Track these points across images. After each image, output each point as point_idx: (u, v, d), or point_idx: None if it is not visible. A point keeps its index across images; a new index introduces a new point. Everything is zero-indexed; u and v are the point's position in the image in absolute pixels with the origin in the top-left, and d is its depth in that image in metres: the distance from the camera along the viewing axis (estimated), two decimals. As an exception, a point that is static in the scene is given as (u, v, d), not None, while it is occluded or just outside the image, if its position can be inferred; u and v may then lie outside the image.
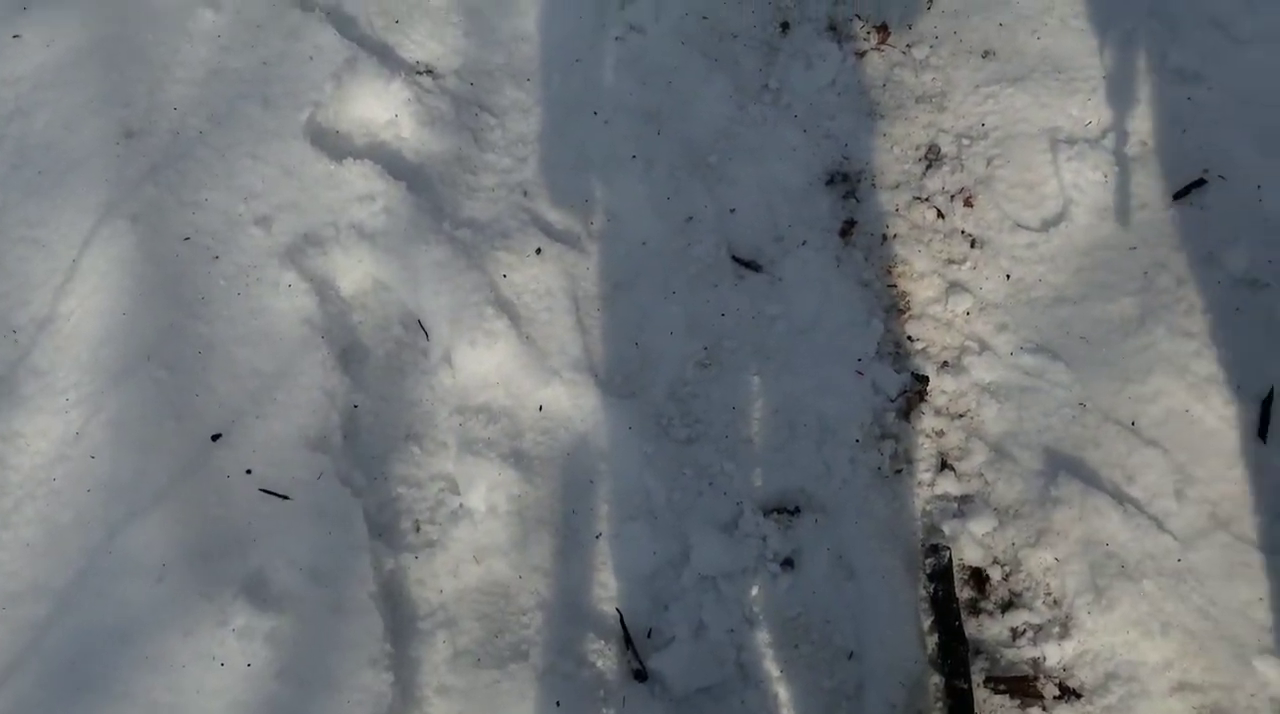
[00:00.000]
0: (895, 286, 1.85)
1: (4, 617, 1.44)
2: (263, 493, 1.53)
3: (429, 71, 2.06)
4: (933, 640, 1.52)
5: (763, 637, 1.50)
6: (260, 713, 1.38)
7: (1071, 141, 1.93)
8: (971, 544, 1.59)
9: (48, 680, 1.40)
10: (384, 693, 1.42)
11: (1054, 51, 2.06)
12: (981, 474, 1.66)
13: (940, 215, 1.91)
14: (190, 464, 1.55)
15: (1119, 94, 1.98)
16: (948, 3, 2.14)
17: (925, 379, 1.74)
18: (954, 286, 1.83)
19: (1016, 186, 1.92)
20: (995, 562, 1.59)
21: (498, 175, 1.92)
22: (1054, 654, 1.50)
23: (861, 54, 2.10)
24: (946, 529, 1.61)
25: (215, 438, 1.57)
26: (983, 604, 1.56)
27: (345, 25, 2.07)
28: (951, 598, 1.53)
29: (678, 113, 2.02)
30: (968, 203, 1.91)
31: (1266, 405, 1.63)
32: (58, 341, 1.63)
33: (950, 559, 1.56)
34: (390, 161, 1.89)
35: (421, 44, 2.09)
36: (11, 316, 1.67)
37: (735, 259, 1.87)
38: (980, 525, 1.60)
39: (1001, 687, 1.48)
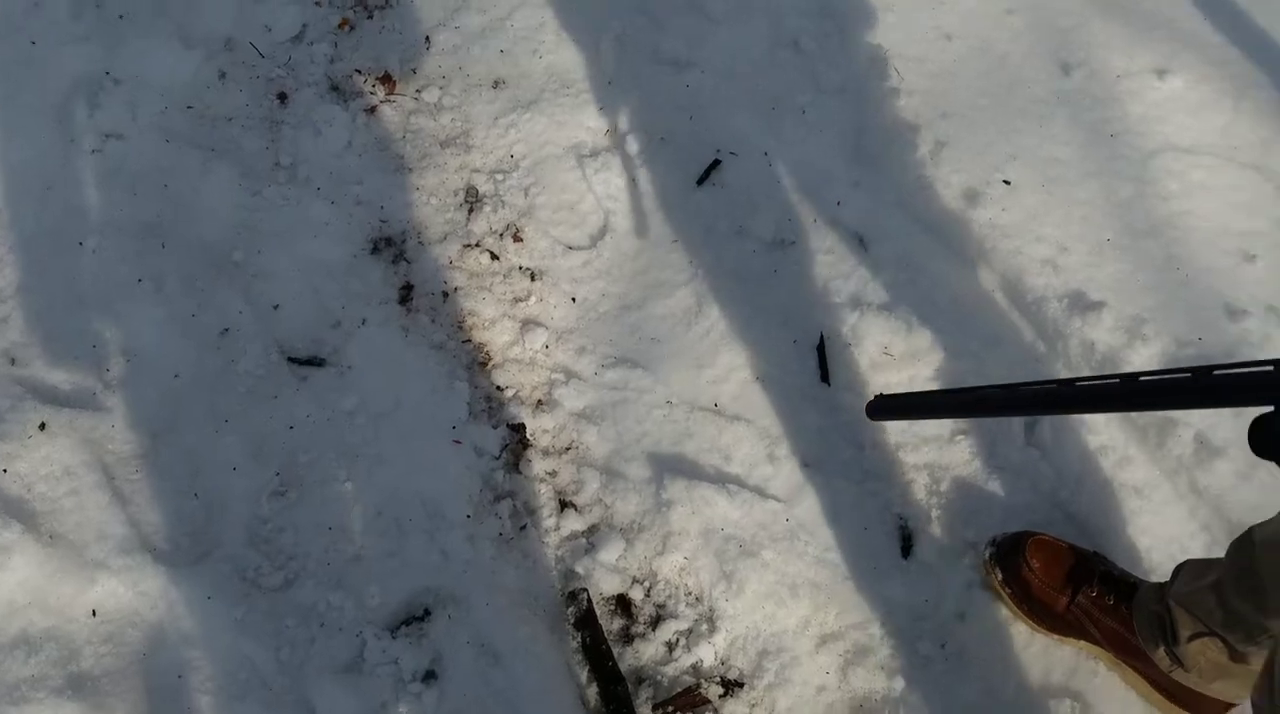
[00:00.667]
0: (470, 340, 1.78)
1: None
2: None
3: None
4: (593, 690, 1.47)
5: (424, 764, 1.37)
6: None
7: (595, 153, 1.96)
8: (607, 574, 1.56)
9: None
10: None
11: (558, 67, 2.08)
12: (600, 500, 1.63)
13: (494, 257, 1.85)
14: None
15: (624, 96, 2.03)
16: (445, 39, 2.10)
17: (522, 426, 1.68)
18: (526, 324, 1.79)
19: (559, 210, 1.91)
20: (635, 581, 1.57)
21: (-28, 350, 1.61)
22: (708, 653, 1.51)
23: (372, 109, 2.00)
24: (580, 569, 1.56)
25: None
26: (634, 628, 1.54)
27: None
28: (600, 640, 1.48)
29: (182, 217, 1.80)
30: (517, 238, 1.88)
31: (821, 351, 1.75)
32: None
33: (589, 601, 1.51)
34: None
35: None
36: None
37: (291, 360, 1.69)
38: (610, 552, 1.57)
39: (670, 708, 1.46)
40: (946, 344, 1.74)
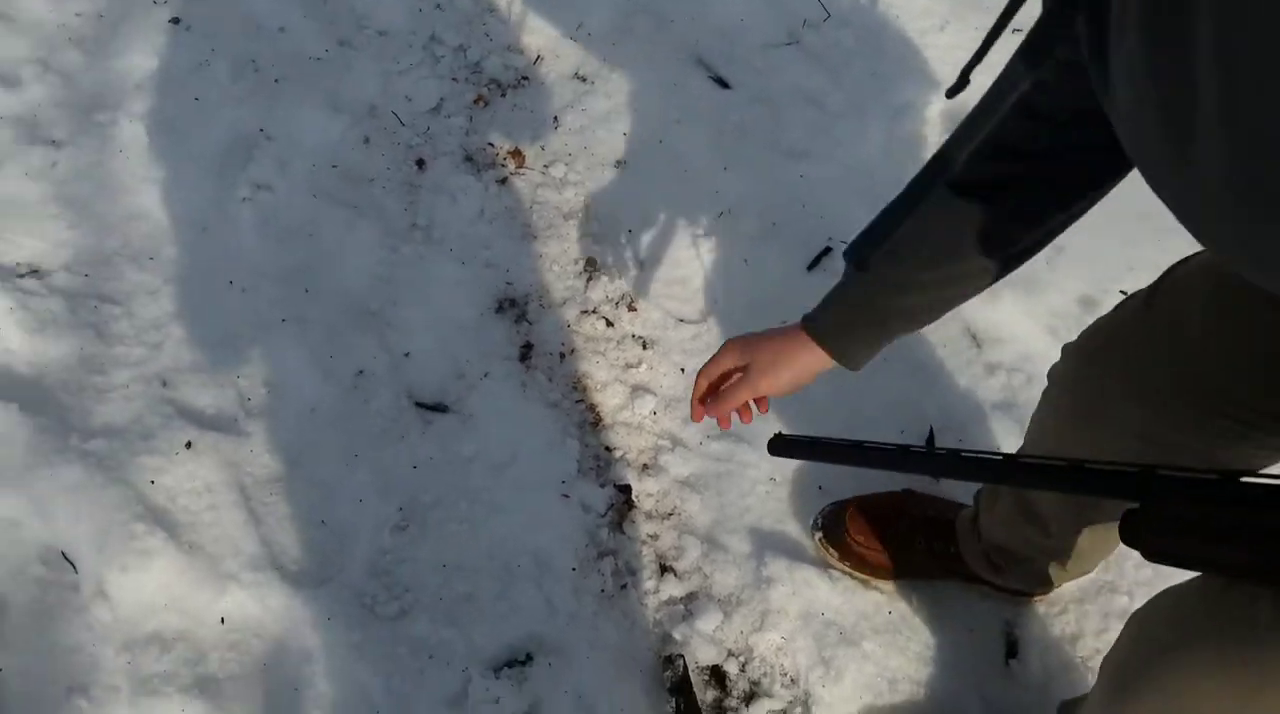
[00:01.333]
0: (582, 401, 1.86)
1: None
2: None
3: (33, 272, 1.84)
4: (687, 755, 1.49)
5: (518, 805, 1.40)
6: None
7: (708, 233, 2.06)
8: (704, 643, 1.59)
9: None
10: None
11: (677, 151, 2.20)
12: (700, 568, 1.67)
13: (609, 324, 1.95)
14: None
15: (740, 181, 2.14)
16: (572, 120, 2.23)
17: (628, 487, 1.74)
18: (636, 389, 1.86)
19: (671, 284, 2.00)
20: (730, 655, 1.60)
21: (131, 369, 1.73)
22: (802, 735, 1.52)
23: (503, 180, 2.13)
24: (678, 635, 1.60)
25: None
26: (727, 702, 1.56)
27: (-81, 236, 1.82)
28: (695, 709, 1.51)
29: (326, 266, 1.94)
30: (631, 307, 1.97)
31: (930, 442, 1.79)
32: None
33: (685, 667, 1.54)
34: (-3, 381, 1.65)
35: (19, 244, 1.87)
36: None
37: (419, 405, 1.79)
38: (708, 622, 1.60)
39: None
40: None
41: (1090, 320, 1.91)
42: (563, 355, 1.90)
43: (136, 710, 1.40)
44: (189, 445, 1.62)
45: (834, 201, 2.11)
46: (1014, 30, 0.81)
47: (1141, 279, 1.13)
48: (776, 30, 2.40)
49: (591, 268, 2.03)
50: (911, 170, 0.99)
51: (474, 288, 1.95)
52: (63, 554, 1.52)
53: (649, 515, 1.73)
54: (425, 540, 1.61)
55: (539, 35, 2.36)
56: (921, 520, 1.61)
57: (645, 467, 1.78)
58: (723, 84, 2.31)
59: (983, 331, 1.95)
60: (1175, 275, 1.08)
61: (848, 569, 1.64)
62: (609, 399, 1.85)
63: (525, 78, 2.30)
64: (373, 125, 2.18)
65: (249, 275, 1.89)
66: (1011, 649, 1.60)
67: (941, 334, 1.93)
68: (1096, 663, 1.51)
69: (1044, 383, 1.28)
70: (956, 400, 1.85)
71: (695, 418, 1.23)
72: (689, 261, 2.03)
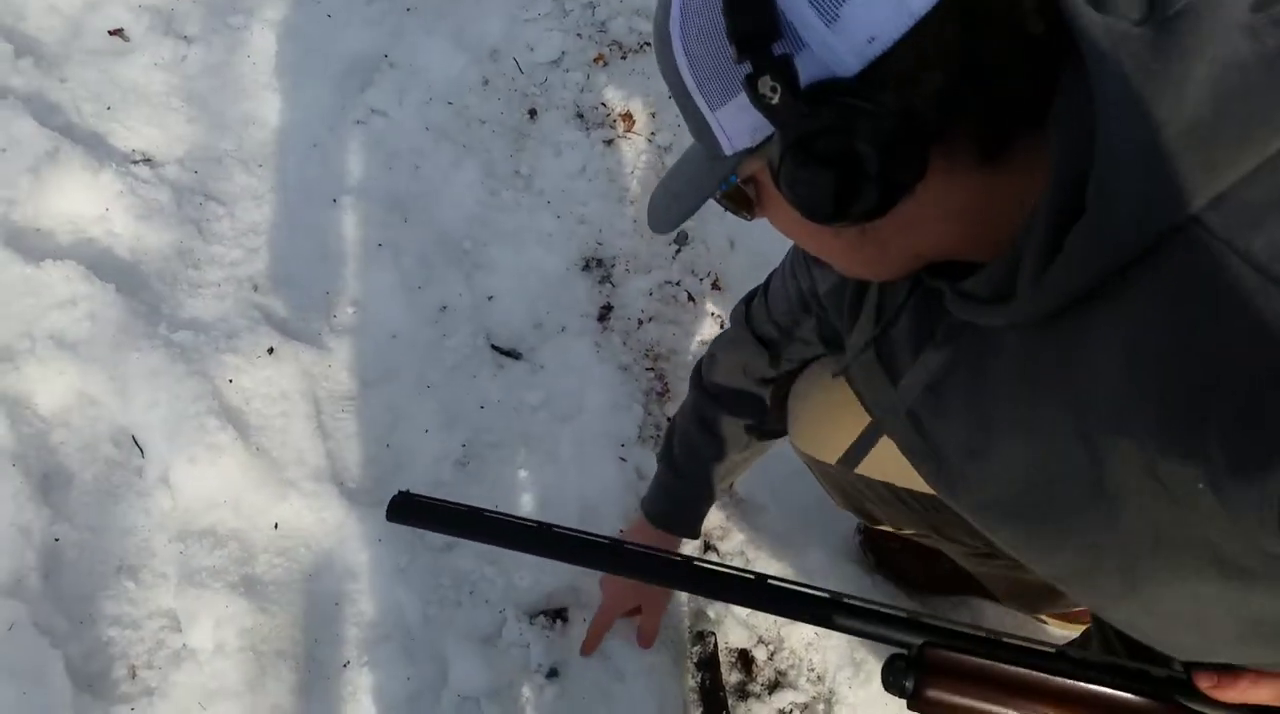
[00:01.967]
0: (653, 370, 1.85)
1: None
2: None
3: (146, 160, 1.90)
4: (705, 733, 1.49)
5: (531, 753, 1.41)
6: None
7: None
8: (737, 625, 1.58)
9: None
10: None
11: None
12: (743, 551, 1.66)
13: (691, 298, 1.94)
14: None
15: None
16: (688, 91, 2.21)
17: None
18: (709, 367, 1.85)
19: (758, 267, 1.97)
20: (760, 641, 1.59)
21: (225, 269, 1.78)
22: (822, 732, 1.51)
23: (609, 141, 2.13)
24: (712, 613, 1.59)
25: None
26: (750, 687, 1.55)
27: (47, 114, 1.87)
28: (719, 686, 1.50)
29: (427, 199, 1.96)
30: (715, 285, 1.96)
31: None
32: None
33: (716, 645, 1.54)
34: (99, 260, 1.70)
35: (138, 131, 1.92)
36: None
37: (494, 347, 1.81)
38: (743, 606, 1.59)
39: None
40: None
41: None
42: (640, 322, 1.89)
43: (181, 599, 1.44)
44: (271, 351, 1.65)
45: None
46: None
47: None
48: None
49: (682, 241, 2.01)
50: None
51: (565, 242, 1.95)
52: (133, 438, 1.57)
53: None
54: (482, 478, 1.62)
55: (667, 2, 2.35)
56: None
57: (706, 445, 1.77)
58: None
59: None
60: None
61: (884, 576, 1.62)
62: (679, 372, 1.84)
63: (647, 43, 2.29)
64: (493, 68, 2.19)
65: (352, 196, 1.91)
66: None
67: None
68: None
69: None
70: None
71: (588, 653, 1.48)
72: (780, 248, 2.00)
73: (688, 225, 2.02)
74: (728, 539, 1.66)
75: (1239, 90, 0.53)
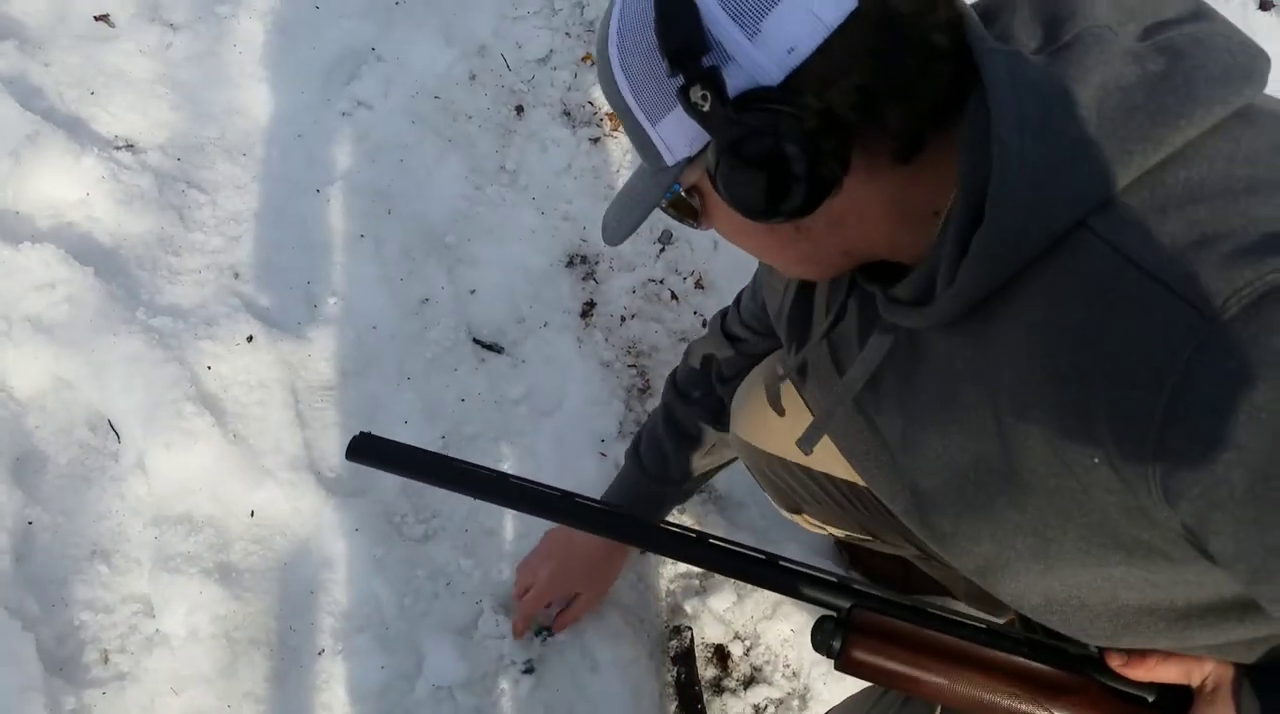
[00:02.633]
0: (634, 366, 1.86)
1: None
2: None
3: (129, 146, 1.89)
4: (679, 728, 1.49)
5: (504, 745, 1.41)
6: None
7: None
8: (713, 621, 1.58)
9: None
10: None
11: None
12: (722, 550, 1.67)
13: (674, 297, 1.94)
14: None
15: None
16: (675, 92, 2.23)
17: (665, 459, 1.74)
18: (690, 364, 1.85)
19: (742, 268, 1.98)
20: (737, 637, 1.59)
21: (206, 256, 1.77)
22: (795, 729, 1.51)
23: (596, 139, 2.13)
24: (689, 608, 1.59)
25: None
26: (726, 682, 1.56)
27: (29, 97, 1.86)
28: (694, 681, 1.51)
29: (410, 192, 1.96)
30: (699, 285, 1.96)
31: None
32: None
33: (692, 640, 1.54)
34: (78, 245, 1.69)
35: (120, 117, 1.91)
36: None
37: (476, 341, 1.81)
38: (721, 601, 1.59)
39: (747, 769, 1.47)
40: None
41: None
42: (623, 318, 1.90)
43: (155, 584, 1.43)
44: (250, 339, 1.64)
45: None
46: None
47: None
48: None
49: (666, 240, 2.02)
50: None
51: (548, 238, 1.96)
52: (109, 422, 1.56)
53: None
54: (460, 472, 1.62)
55: (655, 3, 2.36)
56: None
57: (685, 442, 1.78)
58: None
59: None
60: None
61: (859, 575, 1.62)
62: (660, 369, 1.85)
63: (634, 42, 2.30)
64: (480, 64, 2.19)
65: (335, 187, 1.91)
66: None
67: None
68: None
69: None
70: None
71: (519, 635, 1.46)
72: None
73: (672, 225, 2.02)
74: (705, 535, 1.67)
75: (1121, 110, 0.59)
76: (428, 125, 2.05)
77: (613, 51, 0.69)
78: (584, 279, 1.94)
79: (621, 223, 0.79)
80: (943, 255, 0.66)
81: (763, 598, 1.61)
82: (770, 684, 1.55)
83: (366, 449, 0.98)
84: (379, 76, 2.10)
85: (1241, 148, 0.59)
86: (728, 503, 1.71)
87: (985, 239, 0.62)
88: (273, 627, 1.43)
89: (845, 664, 0.80)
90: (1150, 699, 0.75)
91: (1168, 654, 0.72)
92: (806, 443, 0.91)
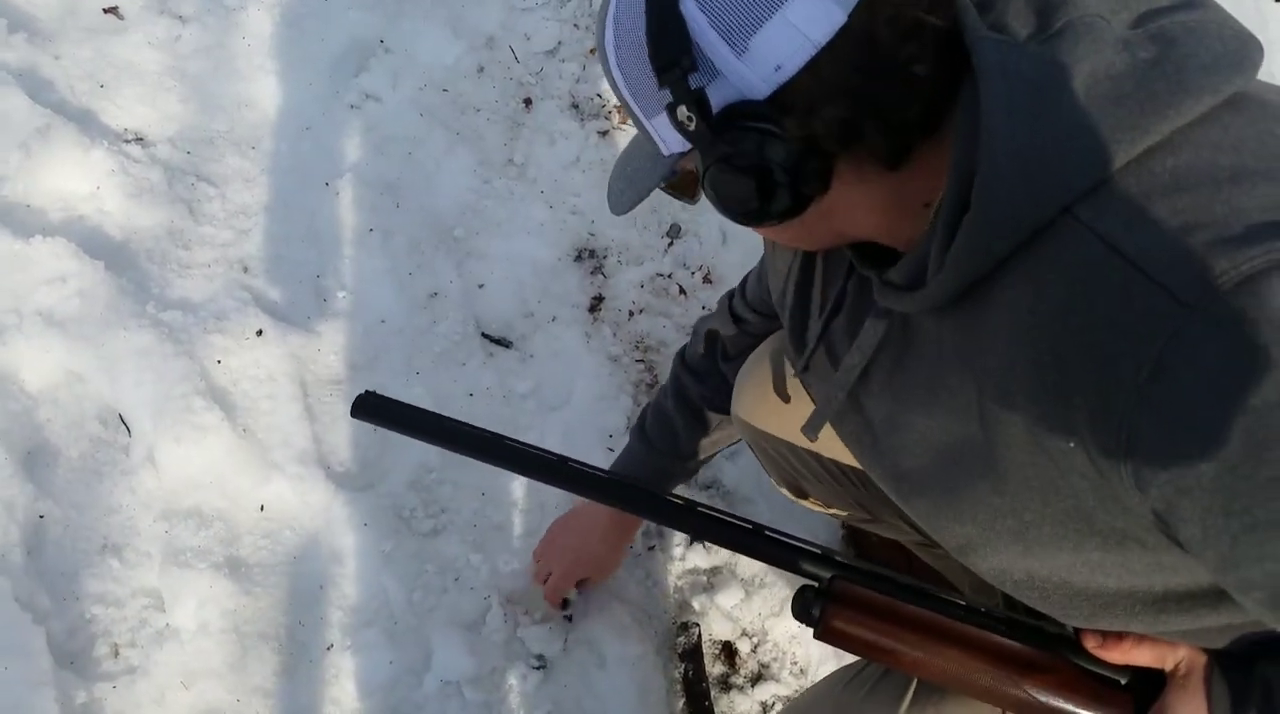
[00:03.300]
0: (642, 361, 1.85)
1: None
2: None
3: (138, 139, 1.89)
4: (686, 724, 1.50)
5: (512, 740, 1.42)
6: None
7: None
8: (721, 618, 1.59)
9: None
10: None
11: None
12: (730, 546, 1.67)
13: (682, 292, 1.94)
14: None
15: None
16: (684, 84, 2.21)
17: (673, 454, 1.74)
18: (698, 360, 1.85)
19: (751, 262, 1.98)
20: (745, 634, 1.59)
21: (215, 250, 1.77)
22: (803, 725, 1.51)
23: (604, 133, 2.13)
24: (697, 604, 1.60)
25: None
26: (733, 679, 1.56)
27: (39, 90, 1.86)
28: (701, 677, 1.51)
29: (419, 185, 1.95)
30: (707, 279, 1.96)
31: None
32: None
33: (700, 636, 1.55)
34: (89, 238, 1.69)
35: (130, 110, 1.91)
36: None
37: (484, 336, 1.81)
38: (728, 598, 1.60)
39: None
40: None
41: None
42: (631, 313, 1.89)
43: (165, 578, 1.43)
44: (260, 333, 1.65)
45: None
46: None
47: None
48: None
49: (675, 234, 2.02)
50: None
51: (557, 232, 1.95)
52: (120, 416, 1.56)
53: (686, 483, 1.72)
54: (468, 465, 1.61)
55: (665, -6, 2.35)
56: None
57: (694, 437, 1.78)
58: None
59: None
60: None
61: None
62: (668, 364, 1.84)
63: (644, 34, 2.29)
64: (488, 56, 2.18)
65: (344, 180, 1.91)
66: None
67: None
68: None
69: None
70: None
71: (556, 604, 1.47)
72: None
73: (680, 218, 2.02)
74: (713, 531, 1.67)
75: (1110, 98, 0.60)
76: (436, 118, 2.04)
77: (609, 48, 0.70)
78: (592, 273, 1.94)
79: (625, 196, 0.80)
80: (933, 241, 0.66)
81: (771, 595, 1.61)
82: (778, 681, 1.55)
83: (371, 407, 1.02)
84: (387, 69, 2.09)
85: (1229, 136, 0.60)
86: (736, 497, 1.71)
87: (972, 224, 0.62)
88: (282, 621, 1.43)
89: (824, 633, 0.82)
90: (1123, 682, 0.76)
91: (1142, 638, 0.74)
92: (812, 430, 0.92)
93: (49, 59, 1.92)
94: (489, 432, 1.01)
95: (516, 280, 1.87)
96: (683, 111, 0.65)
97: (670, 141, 0.71)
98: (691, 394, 1.35)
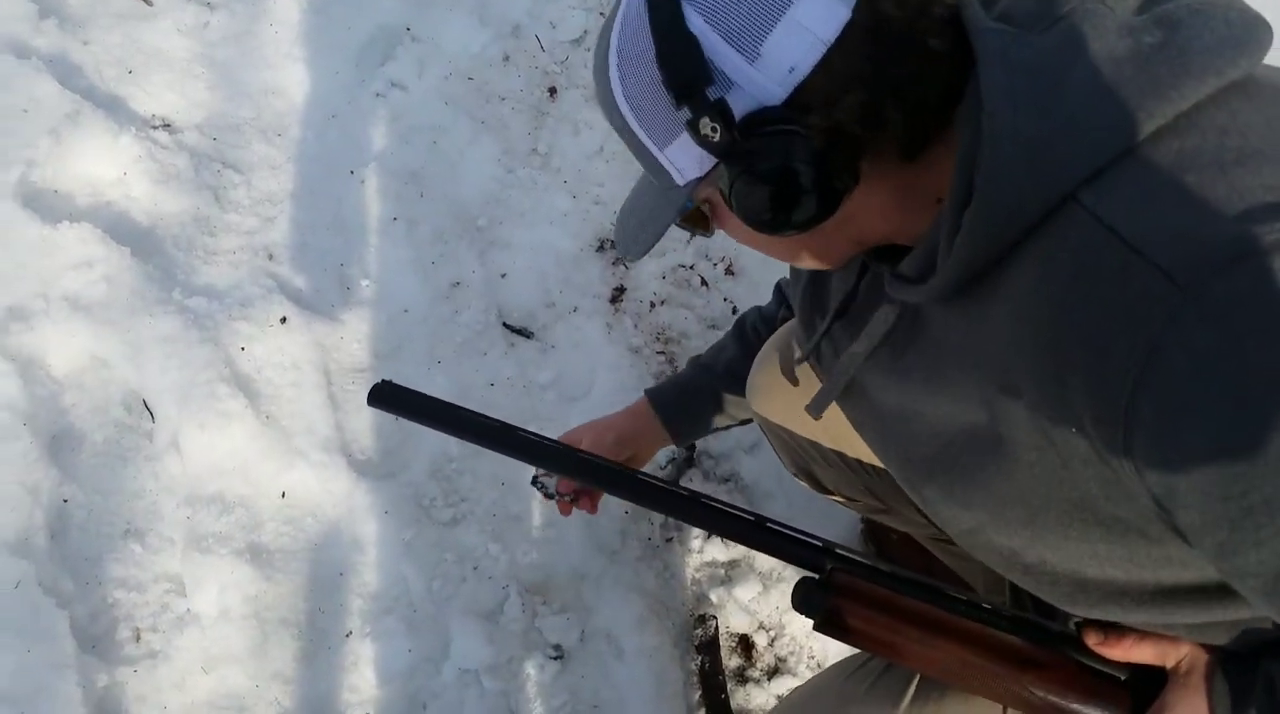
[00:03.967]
0: (663, 352, 1.85)
1: None
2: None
3: (165, 125, 1.90)
4: (702, 715, 1.50)
5: (529, 729, 1.42)
6: None
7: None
8: (738, 611, 1.58)
9: None
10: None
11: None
12: (749, 539, 1.66)
13: (705, 283, 1.93)
14: None
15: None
16: (710, 75, 2.20)
17: (692, 445, 1.74)
18: (720, 352, 1.84)
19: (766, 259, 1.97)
20: (762, 627, 1.59)
21: (241, 237, 1.78)
22: (820, 720, 1.50)
23: (628, 121, 2.12)
24: (714, 597, 1.59)
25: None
26: (750, 672, 1.55)
27: (69, 75, 1.88)
28: (718, 670, 1.51)
29: (443, 174, 1.95)
30: (729, 271, 1.95)
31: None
32: None
33: (717, 629, 1.54)
34: (116, 224, 1.71)
35: (158, 96, 1.92)
36: None
37: (506, 326, 1.81)
38: (746, 591, 1.59)
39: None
40: None
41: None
42: (653, 304, 1.89)
43: (187, 563, 1.45)
44: (284, 320, 1.66)
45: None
46: None
47: None
48: None
49: (699, 225, 2.00)
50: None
51: (580, 222, 1.95)
52: (144, 402, 1.58)
53: (706, 475, 1.72)
54: (488, 456, 1.60)
55: (692, -17, 2.33)
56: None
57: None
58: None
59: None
60: None
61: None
62: (690, 356, 1.84)
63: (670, 24, 2.27)
64: (514, 45, 2.18)
65: (369, 168, 1.91)
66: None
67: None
68: None
69: None
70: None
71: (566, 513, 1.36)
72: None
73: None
74: (732, 525, 1.66)
75: (1113, 84, 0.59)
76: (461, 107, 2.04)
77: (614, 82, 0.70)
78: (614, 264, 1.93)
79: (638, 240, 0.81)
80: (942, 232, 0.67)
81: (788, 589, 1.60)
82: (794, 675, 1.55)
83: (387, 396, 1.04)
84: (413, 57, 2.09)
85: (1237, 120, 0.59)
86: (755, 492, 1.70)
87: (976, 213, 0.63)
88: (302, 607, 1.44)
89: (825, 624, 0.82)
90: (1123, 678, 0.76)
91: (1144, 635, 0.73)
92: (815, 409, 0.93)
93: (78, 45, 1.93)
94: (501, 421, 1.03)
95: (539, 270, 1.87)
96: (706, 124, 0.66)
97: (686, 168, 0.71)
98: (748, 321, 1.34)
